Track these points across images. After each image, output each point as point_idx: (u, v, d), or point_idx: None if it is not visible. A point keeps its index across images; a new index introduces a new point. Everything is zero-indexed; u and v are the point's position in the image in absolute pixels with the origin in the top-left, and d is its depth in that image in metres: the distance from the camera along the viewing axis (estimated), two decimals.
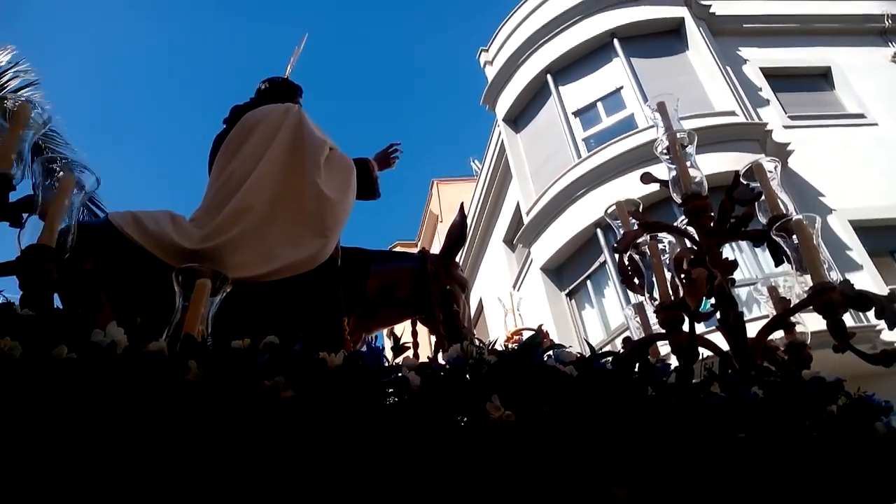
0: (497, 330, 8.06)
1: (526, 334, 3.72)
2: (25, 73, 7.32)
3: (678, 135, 2.11)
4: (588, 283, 9.56)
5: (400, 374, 1.23)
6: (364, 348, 1.37)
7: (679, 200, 1.91)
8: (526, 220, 10.42)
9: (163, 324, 1.41)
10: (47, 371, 1.01)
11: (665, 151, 1.98)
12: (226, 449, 1.10)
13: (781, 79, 10.39)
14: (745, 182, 1.91)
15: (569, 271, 9.89)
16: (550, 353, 1.35)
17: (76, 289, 1.36)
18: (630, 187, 8.90)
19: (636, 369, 1.38)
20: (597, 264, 9.29)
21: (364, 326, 2.49)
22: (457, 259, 2.74)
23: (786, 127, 9.59)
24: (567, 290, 9.88)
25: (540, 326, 3.52)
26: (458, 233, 2.72)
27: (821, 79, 10.63)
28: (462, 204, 3.01)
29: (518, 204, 11.21)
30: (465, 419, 1.25)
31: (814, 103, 10.21)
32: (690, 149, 1.99)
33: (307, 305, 2.15)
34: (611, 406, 1.23)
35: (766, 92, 10.12)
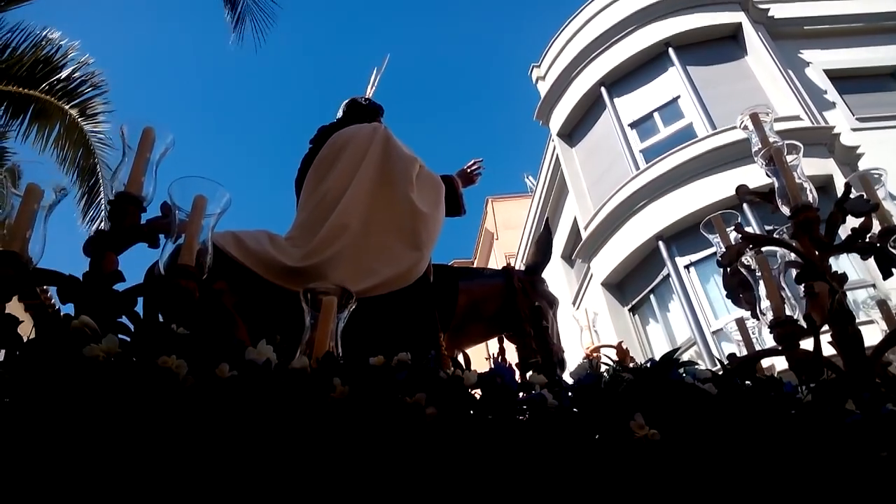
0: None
1: (604, 351, 3.67)
2: (97, 84, 7.40)
3: (776, 144, 2.05)
4: (651, 297, 9.34)
5: (535, 392, 1.22)
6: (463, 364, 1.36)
7: (788, 213, 1.85)
8: (584, 234, 10.29)
9: (272, 339, 1.44)
10: (212, 389, 1.05)
11: (767, 163, 1.93)
12: (371, 465, 1.11)
13: (847, 80, 9.99)
14: (858, 194, 1.84)
15: (631, 286, 9.70)
16: (682, 370, 1.33)
17: (212, 308, 1.41)
18: (692, 198, 8.69)
19: (772, 387, 1.34)
20: (660, 277, 9.08)
21: (455, 344, 2.49)
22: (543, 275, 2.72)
23: (854, 130, 9.22)
24: (630, 305, 9.68)
25: (620, 343, 3.46)
26: (544, 248, 2.70)
27: (889, 78, 10.18)
28: (547, 219, 3.00)
29: (575, 219, 11.10)
30: (600, 437, 1.23)
31: (883, 104, 9.76)
32: (793, 159, 1.93)
33: (405, 322, 2.17)
34: (756, 425, 1.20)
35: (832, 94, 9.76)
